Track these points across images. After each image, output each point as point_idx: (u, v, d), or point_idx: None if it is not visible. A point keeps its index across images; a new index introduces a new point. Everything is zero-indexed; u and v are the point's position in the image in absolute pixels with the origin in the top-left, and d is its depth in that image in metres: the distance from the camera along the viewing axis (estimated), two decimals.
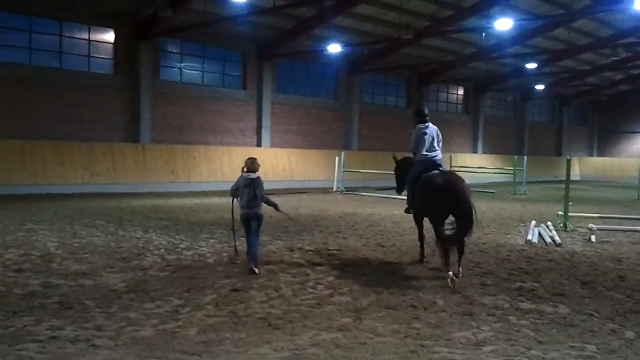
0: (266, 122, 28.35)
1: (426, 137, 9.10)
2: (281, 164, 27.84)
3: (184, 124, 25.62)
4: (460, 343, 5.51)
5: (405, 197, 9.66)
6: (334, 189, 24.94)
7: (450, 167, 29.15)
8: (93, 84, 23.08)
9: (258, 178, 8.69)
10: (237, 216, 8.89)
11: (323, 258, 9.64)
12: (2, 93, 20.68)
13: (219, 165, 25.39)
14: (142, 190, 22.15)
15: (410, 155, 9.58)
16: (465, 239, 8.32)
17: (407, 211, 9.71)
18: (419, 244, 9.70)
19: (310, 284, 7.79)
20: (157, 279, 7.84)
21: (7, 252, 9.33)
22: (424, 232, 9.62)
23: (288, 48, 27.66)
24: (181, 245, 10.48)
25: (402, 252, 10.42)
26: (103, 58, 23.74)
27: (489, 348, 5.39)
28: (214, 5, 22.37)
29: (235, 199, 8.91)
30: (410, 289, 7.57)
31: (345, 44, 25.81)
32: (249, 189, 8.60)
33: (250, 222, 8.67)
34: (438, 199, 8.25)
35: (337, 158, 25.26)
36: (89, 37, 23.28)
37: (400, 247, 10.90)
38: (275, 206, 8.85)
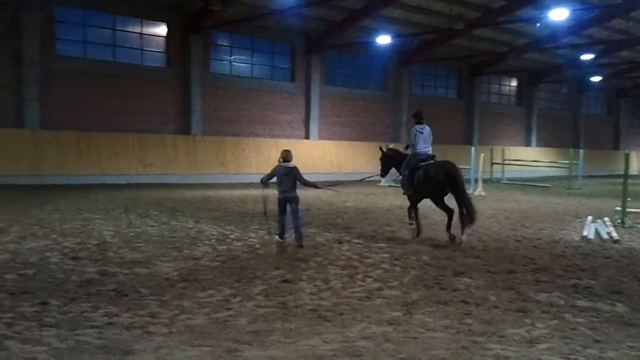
0: (314, 114, 28.40)
1: (423, 135, 10.87)
2: (329, 156, 27.85)
3: (233, 116, 25.92)
4: (514, 340, 5.38)
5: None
6: (383, 182, 24.77)
7: (503, 160, 28.64)
8: (146, 77, 23.59)
9: (295, 167, 9.91)
10: (266, 203, 10.09)
11: (372, 251, 9.59)
12: (59, 86, 21.35)
13: (267, 157, 25.55)
14: (193, 182, 22.55)
15: (393, 146, 11.70)
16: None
17: (406, 194, 11.16)
18: (414, 222, 11.20)
19: (359, 276, 7.75)
20: (209, 269, 7.95)
21: (65, 240, 9.64)
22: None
23: (336, 40, 27.59)
24: (231, 236, 10.61)
25: (453, 246, 10.27)
26: (155, 51, 24.21)
27: (543, 346, 5.25)
28: None
29: (265, 186, 10.09)
30: (462, 284, 7.44)
31: (395, 35, 25.55)
32: (288, 177, 9.82)
33: (289, 204, 9.89)
34: (442, 180, 10.35)
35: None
36: (142, 31, 23.78)
37: (451, 241, 10.73)
38: (315, 186, 10.37)
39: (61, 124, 21.21)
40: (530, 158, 33.64)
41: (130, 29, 23.58)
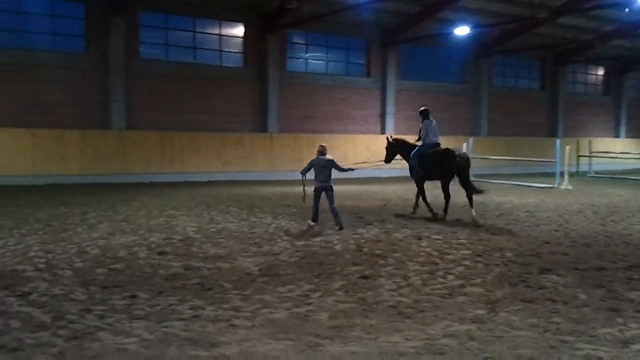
0: (390, 109, 28.15)
1: (432, 128, 13.00)
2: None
3: (309, 113, 26.10)
4: (606, 340, 5.12)
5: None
6: None
7: (590, 152, 27.40)
8: (224, 77, 24.17)
9: (332, 159, 11.30)
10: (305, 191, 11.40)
11: (452, 247, 9.39)
12: (143, 88, 22.23)
13: (343, 153, 25.52)
14: (270, 178, 22.89)
15: (399, 137, 14.69)
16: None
17: (416, 178, 13.09)
18: (425, 205, 13.00)
19: (440, 273, 7.61)
20: (288, 264, 8.04)
21: (151, 236, 10.02)
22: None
23: (413, 33, 27.20)
24: (309, 232, 10.67)
25: (538, 242, 9.90)
26: (233, 52, 24.75)
27: (638, 346, 4.96)
28: None
29: (303, 176, 11.47)
30: (548, 282, 7.16)
31: (474, 26, 24.90)
32: (326, 168, 11.17)
33: (326, 192, 11.19)
34: (451, 164, 12.40)
35: (464, 144, 24.52)
36: (220, 32, 24.37)
37: (536, 237, 10.36)
38: (350, 169, 11.89)
39: (145, 124, 22.10)
40: (619, 150, 31.97)
41: (209, 31, 24.22)
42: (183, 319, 5.53)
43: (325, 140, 25.29)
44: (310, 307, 6.04)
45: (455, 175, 12.62)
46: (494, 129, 31.34)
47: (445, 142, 30.01)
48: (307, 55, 26.64)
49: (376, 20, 26.27)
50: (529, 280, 7.24)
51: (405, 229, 11.08)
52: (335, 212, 11.19)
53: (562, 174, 20.96)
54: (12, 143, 19.29)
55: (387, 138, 14.06)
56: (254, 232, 10.57)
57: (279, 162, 24.01)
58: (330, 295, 6.52)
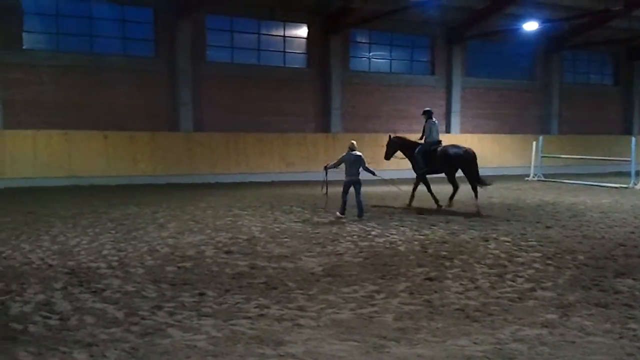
0: (456, 107, 27.65)
1: (435, 127, 14.55)
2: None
3: (371, 113, 25.98)
4: None
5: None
6: (531, 176, 23.56)
7: None
8: (288, 78, 24.40)
9: (361, 155, 12.36)
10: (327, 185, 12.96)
11: (521, 249, 9.12)
12: (209, 90, 22.74)
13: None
14: (333, 179, 22.84)
15: (400, 135, 16.11)
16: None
17: (419, 172, 14.52)
18: (431, 196, 14.44)
19: (509, 276, 7.40)
20: (352, 265, 8.02)
21: (218, 235, 10.22)
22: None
23: (479, 29, 26.61)
24: (372, 232, 10.62)
25: (613, 245, 9.48)
26: (297, 53, 24.95)
27: None
28: None
29: (326, 171, 12.88)
30: (624, 286, 6.84)
31: (543, 21, 24.08)
32: (356, 163, 12.24)
33: (354, 186, 12.23)
34: (456, 159, 14.01)
35: (534, 143, 23.81)
36: (284, 34, 24.61)
37: (610, 239, 9.93)
38: (373, 172, 12.64)
39: (211, 126, 22.59)
40: None
41: (273, 33, 24.51)
42: (249, 318, 5.61)
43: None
44: (375, 309, 6.00)
45: (461, 169, 14.18)
46: (565, 127, 30.25)
47: (513, 141, 29.45)
48: (370, 54, 26.52)
49: (441, 17, 25.85)
50: (603, 284, 6.94)
51: (472, 230, 10.85)
52: (360, 204, 12.35)
53: (637, 173, 20.01)
54: (86, 145, 20.14)
55: (389, 136, 15.52)
56: (317, 232, 10.61)
57: None
58: (395, 296, 6.46)
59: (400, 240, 9.87)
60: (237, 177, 21.82)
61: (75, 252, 8.68)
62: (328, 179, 13.13)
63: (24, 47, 20.39)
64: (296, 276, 7.33)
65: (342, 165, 12.74)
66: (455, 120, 27.68)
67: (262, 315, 5.71)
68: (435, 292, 6.65)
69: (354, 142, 12.72)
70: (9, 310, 5.76)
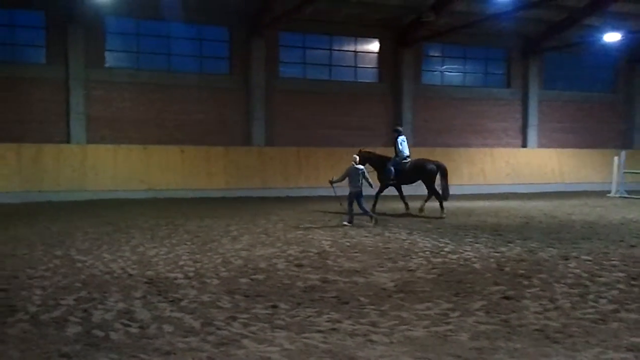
0: (532, 120, 26.89)
1: (405, 143, 16.39)
2: (549, 165, 26.11)
3: (444, 127, 25.65)
4: None
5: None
6: (613, 192, 22.50)
7: None
8: (359, 93, 24.50)
9: (364, 168, 13.64)
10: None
11: (604, 269, 8.68)
12: (281, 105, 23.14)
13: (480, 168, 24.83)
14: (404, 193, 22.64)
15: (368, 149, 16.96)
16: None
17: (386, 182, 16.20)
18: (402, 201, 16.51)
19: (591, 297, 7.05)
20: (425, 281, 7.87)
21: (289, 249, 10.30)
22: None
23: (556, 41, 25.85)
24: (445, 249, 10.41)
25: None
26: (368, 67, 25.01)
27: None
28: (477, 5, 22.03)
29: (333, 183, 13.99)
30: None
31: (626, 32, 23.11)
32: (359, 176, 13.27)
33: (357, 197, 13.29)
34: (430, 171, 15.95)
35: (615, 158, 22.76)
36: (356, 49, 24.74)
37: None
38: (371, 185, 14.08)
39: (283, 140, 22.94)
40: None
41: (345, 48, 24.69)
42: (321, 331, 5.59)
43: (461, 154, 24.82)
44: (450, 327, 5.85)
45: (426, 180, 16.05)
46: None
47: (593, 156, 28.41)
48: (443, 67, 26.24)
49: (517, 29, 25.30)
50: None
51: (551, 248, 10.44)
52: (365, 210, 13.54)
53: None
54: (164, 159, 20.89)
55: (359, 150, 16.27)
56: (388, 247, 10.50)
57: None
58: (470, 315, 6.28)
59: (475, 257, 9.61)
60: (308, 191, 21.99)
61: (154, 263, 8.96)
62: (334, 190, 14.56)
63: (106, 66, 21.45)
64: (368, 291, 7.26)
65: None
66: (532, 134, 26.91)
67: (334, 329, 5.68)
68: (513, 311, 6.42)
69: (356, 157, 14.02)
70: (92, 318, 5.99)
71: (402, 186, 16.61)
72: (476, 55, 26.64)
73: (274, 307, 6.47)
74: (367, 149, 17.25)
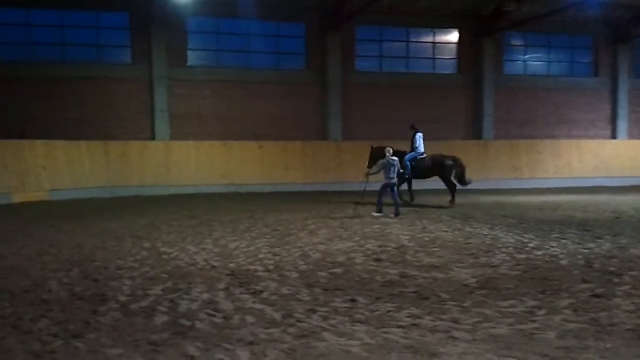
0: (622, 111, 25.55)
1: (422, 139, 16.80)
2: None
3: (527, 118, 24.82)
4: None
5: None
6: None
7: None
8: (437, 85, 24.09)
9: (397, 160, 14.11)
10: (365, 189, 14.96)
11: None
12: (358, 99, 23.10)
13: (567, 160, 23.84)
14: (484, 187, 22.16)
15: (380, 144, 16.73)
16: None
17: (404, 178, 16.43)
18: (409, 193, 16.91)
19: None
20: (508, 278, 7.63)
21: (366, 243, 10.27)
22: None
23: None
24: (530, 245, 10.05)
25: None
26: (447, 58, 24.53)
27: None
28: None
29: (370, 175, 14.65)
30: None
31: None
32: (394, 167, 13.78)
33: (391, 187, 13.77)
34: (448, 166, 16.42)
35: None
36: (434, 40, 24.32)
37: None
38: (399, 174, 14.65)
39: (359, 134, 22.88)
40: None
41: (422, 40, 24.33)
42: (402, 327, 5.53)
43: (546, 146, 23.91)
44: (536, 325, 5.64)
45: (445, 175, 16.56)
46: None
47: None
48: (526, 57, 25.37)
49: (603, 16, 24.07)
50: None
51: None
52: (397, 202, 14.04)
53: None
54: (243, 154, 21.36)
55: (371, 146, 17.07)
56: (469, 243, 10.26)
57: (493, 170, 23.14)
58: (557, 313, 6.04)
59: (562, 253, 9.23)
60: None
61: (235, 255, 9.17)
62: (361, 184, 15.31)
63: (187, 64, 22.15)
64: (448, 287, 7.12)
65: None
66: (622, 125, 25.59)
67: (414, 325, 5.60)
68: (603, 310, 6.11)
69: (390, 149, 14.21)
70: (178, 307, 6.20)
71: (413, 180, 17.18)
72: (561, 44, 25.58)
73: (353, 301, 6.46)
74: (378, 144, 17.50)
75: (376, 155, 16.60)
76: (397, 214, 13.74)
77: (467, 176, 16.88)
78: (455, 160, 16.67)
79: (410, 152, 16.83)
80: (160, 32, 21.43)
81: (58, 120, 20.38)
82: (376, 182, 14.85)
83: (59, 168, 18.87)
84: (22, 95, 20.38)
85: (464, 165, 16.78)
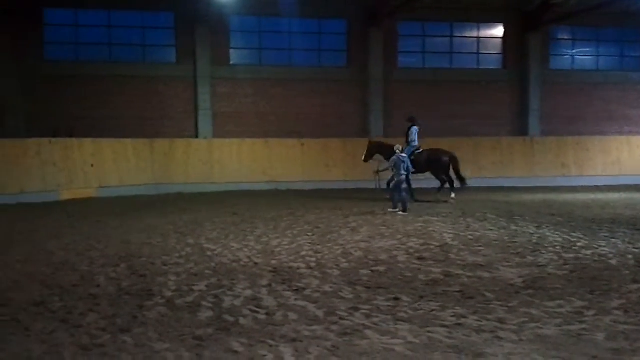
0: None
1: (417, 133, 16.47)
2: None
3: (575, 114, 24.20)
4: None
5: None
6: None
7: None
8: (481, 81, 23.70)
9: (407, 157, 14.56)
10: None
11: None
12: (399, 96, 22.91)
13: (616, 157, 23.13)
14: (530, 185, 21.72)
15: (377, 139, 18.20)
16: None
17: (383, 170, 15.68)
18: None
19: None
20: (556, 278, 7.46)
21: (409, 241, 10.17)
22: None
23: None
24: (578, 244, 9.80)
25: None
26: (492, 54, 24.14)
27: None
28: None
29: (380, 172, 15.43)
30: None
31: None
32: (404, 164, 14.03)
33: (400, 184, 13.94)
34: (446, 162, 16.71)
35: None
36: (478, 35, 23.96)
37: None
38: (409, 171, 14.53)
39: (401, 131, 22.59)
40: None
41: (466, 34, 24.00)
42: (446, 326, 5.46)
43: (595, 143, 23.27)
44: (584, 326, 5.49)
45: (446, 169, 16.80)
46: None
47: None
48: (574, 51, 24.73)
49: None
50: None
51: None
52: (404, 199, 14.13)
53: None
54: (284, 152, 21.45)
55: (369, 140, 17.60)
56: (515, 242, 10.06)
57: (539, 167, 22.65)
58: (606, 314, 5.86)
59: (611, 253, 8.96)
60: (426, 182, 21.40)
61: (277, 252, 9.22)
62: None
63: (230, 63, 22.39)
64: (494, 286, 7.00)
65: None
66: None
67: (459, 324, 5.52)
68: None
69: (400, 146, 14.72)
70: (222, 303, 6.27)
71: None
72: (610, 37, 24.84)
73: (396, 299, 6.41)
74: (376, 139, 17.74)
75: (373, 150, 16.96)
76: (405, 210, 13.90)
77: (464, 173, 17.03)
78: (451, 156, 16.82)
79: (407, 146, 16.61)
80: (204, 32, 21.72)
81: (105, 119, 20.90)
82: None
83: (106, 166, 19.33)
84: (70, 95, 20.97)
85: (459, 161, 16.95)
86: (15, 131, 20.18)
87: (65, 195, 17.81)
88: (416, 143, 16.64)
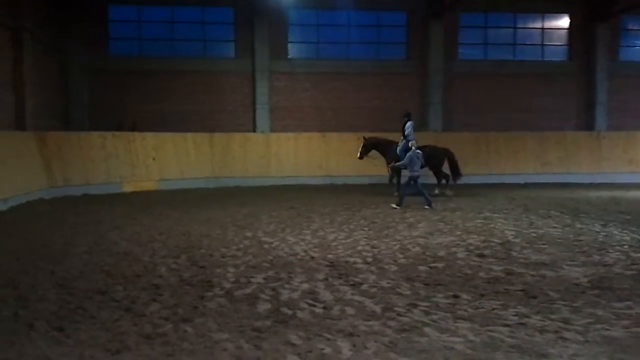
0: None
1: (413, 128, 16.04)
2: None
3: None
4: None
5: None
6: None
7: None
8: (546, 73, 23.03)
9: (422, 153, 14.35)
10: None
11: None
12: (460, 89, 22.47)
13: None
14: (597, 181, 20.95)
15: (372, 135, 17.92)
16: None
17: (399, 167, 15.41)
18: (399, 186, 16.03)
19: None
20: (623, 278, 7.15)
21: (469, 238, 9.96)
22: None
23: None
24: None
25: None
26: (556, 45, 23.37)
27: None
28: None
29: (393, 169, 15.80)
30: None
31: None
32: (419, 160, 14.07)
33: (416, 180, 13.79)
34: (441, 157, 17.06)
35: None
36: (543, 26, 23.24)
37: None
38: (422, 166, 14.60)
39: (461, 125, 22.29)
40: None
41: (530, 26, 23.32)
42: (508, 325, 5.31)
43: None
44: None
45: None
46: None
47: None
48: None
49: None
50: None
51: None
52: (403, 194, 14.23)
53: None
54: (341, 146, 21.34)
55: (364, 137, 17.45)
56: (580, 240, 9.71)
57: (607, 162, 21.79)
58: None
59: None
60: (486, 178, 21.17)
61: (333, 247, 9.21)
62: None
63: (288, 57, 22.49)
64: (558, 286, 6.76)
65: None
66: None
67: (521, 324, 5.36)
68: None
69: (415, 142, 14.55)
70: (280, 296, 6.31)
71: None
72: None
73: (456, 297, 6.29)
74: (371, 135, 17.68)
75: (369, 145, 17.19)
76: (429, 204, 13.82)
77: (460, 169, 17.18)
78: (446, 152, 17.06)
79: (402, 142, 16.16)
80: (262, 26, 21.91)
81: (166, 113, 21.42)
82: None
83: (167, 159, 19.80)
84: (133, 89, 21.59)
85: (456, 158, 17.15)
86: (81, 124, 20.97)
87: (128, 187, 18.36)
88: (412, 137, 15.99)
